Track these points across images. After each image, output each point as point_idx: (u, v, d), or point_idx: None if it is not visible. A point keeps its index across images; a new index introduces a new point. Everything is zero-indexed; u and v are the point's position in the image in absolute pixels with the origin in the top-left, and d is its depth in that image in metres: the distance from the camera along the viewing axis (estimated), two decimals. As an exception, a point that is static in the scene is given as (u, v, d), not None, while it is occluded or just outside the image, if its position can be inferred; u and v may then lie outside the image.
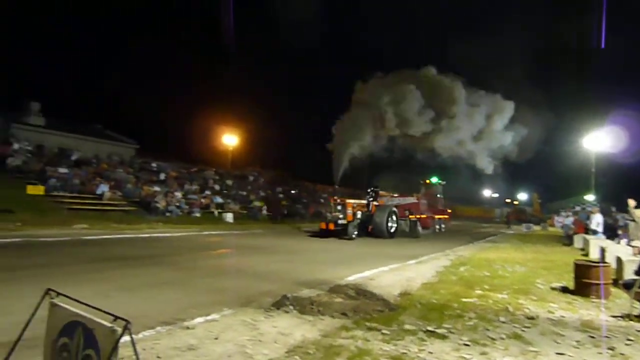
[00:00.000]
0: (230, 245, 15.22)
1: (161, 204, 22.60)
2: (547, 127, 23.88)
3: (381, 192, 23.80)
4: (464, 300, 6.52)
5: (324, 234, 19.06)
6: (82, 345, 2.42)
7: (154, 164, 29.72)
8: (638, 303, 6.00)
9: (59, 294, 2.71)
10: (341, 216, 19.53)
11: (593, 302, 6.72)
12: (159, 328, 4.65)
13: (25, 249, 11.25)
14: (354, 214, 20.04)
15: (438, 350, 4.25)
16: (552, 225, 39.43)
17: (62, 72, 48.88)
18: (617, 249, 10.81)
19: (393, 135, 23.91)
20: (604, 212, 19.33)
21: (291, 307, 5.64)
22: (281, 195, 33.76)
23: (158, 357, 3.82)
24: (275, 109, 52.61)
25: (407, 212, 23.40)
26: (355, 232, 19.25)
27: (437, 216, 28.11)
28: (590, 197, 36.32)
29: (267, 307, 5.73)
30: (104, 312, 2.40)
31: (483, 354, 4.22)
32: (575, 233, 19.59)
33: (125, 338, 2.29)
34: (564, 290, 7.62)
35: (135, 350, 2.41)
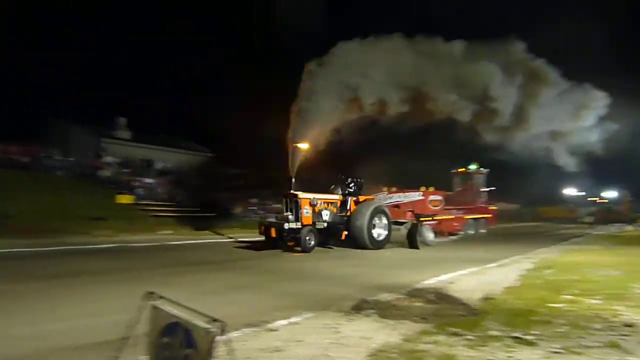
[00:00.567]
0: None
1: (238, 209, 23.50)
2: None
3: (384, 189, 19.20)
4: (551, 305, 6.17)
5: (265, 244, 13.87)
6: (182, 345, 2.60)
7: (230, 171, 30.71)
8: None
9: (160, 296, 2.93)
10: (291, 217, 13.67)
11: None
12: (244, 330, 4.85)
13: (118, 254, 12.22)
14: (317, 214, 14.35)
15: (527, 357, 4.06)
16: (646, 225, 36.12)
17: (143, 88, 52.20)
18: None
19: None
20: None
21: (371, 311, 5.65)
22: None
23: (247, 357, 3.99)
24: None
25: (410, 213, 17.81)
26: (312, 242, 13.43)
27: (472, 216, 21.75)
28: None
29: (347, 310, 5.78)
30: (201, 314, 2.56)
31: (578, 363, 3.97)
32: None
33: (219, 338, 2.43)
34: (666, 296, 6.97)
35: (230, 350, 2.54)
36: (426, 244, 15.92)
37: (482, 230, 22.22)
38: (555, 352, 4.19)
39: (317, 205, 14.37)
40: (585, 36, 23.43)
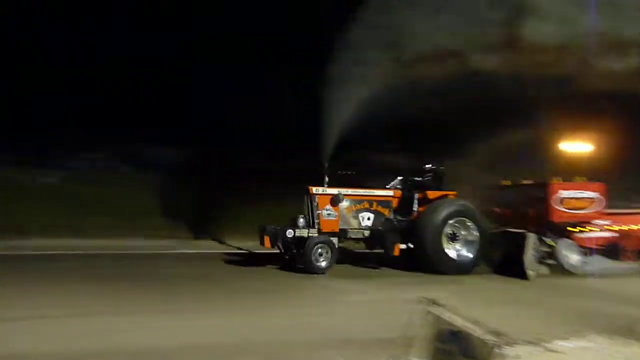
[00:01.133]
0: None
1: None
2: None
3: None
4: None
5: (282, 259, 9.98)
6: (460, 352, 2.59)
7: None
8: None
9: (433, 302, 3.00)
10: (302, 221, 9.57)
11: None
12: (522, 346, 4.50)
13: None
14: (349, 218, 10.04)
15: None
16: None
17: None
18: None
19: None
20: None
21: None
22: None
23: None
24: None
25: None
26: (323, 260, 9.26)
27: None
28: None
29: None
30: (481, 324, 2.50)
31: None
32: None
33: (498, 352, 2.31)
34: None
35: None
36: (571, 269, 9.81)
37: None
38: None
39: (349, 205, 10.07)
40: None
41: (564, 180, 10.59)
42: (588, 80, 12.80)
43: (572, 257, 10.00)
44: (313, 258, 9.12)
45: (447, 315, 2.86)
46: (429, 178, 10.80)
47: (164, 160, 17.01)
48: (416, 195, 10.35)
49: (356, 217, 10.07)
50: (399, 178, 10.87)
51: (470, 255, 9.87)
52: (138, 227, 13.95)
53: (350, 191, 10.05)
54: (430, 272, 9.55)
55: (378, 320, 5.45)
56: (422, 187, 10.50)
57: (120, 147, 17.12)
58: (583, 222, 10.49)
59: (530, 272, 9.25)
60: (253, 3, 15.23)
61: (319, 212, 9.69)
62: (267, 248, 9.51)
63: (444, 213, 9.73)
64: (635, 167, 14.26)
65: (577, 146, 14.80)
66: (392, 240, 9.64)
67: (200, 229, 14.66)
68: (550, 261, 9.80)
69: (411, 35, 11.77)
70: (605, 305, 6.92)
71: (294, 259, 9.64)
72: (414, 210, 10.26)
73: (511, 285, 9.05)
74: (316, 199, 9.75)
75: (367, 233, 10.04)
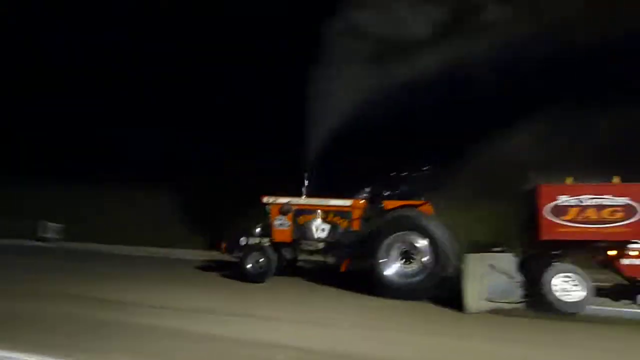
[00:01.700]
0: None
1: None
2: None
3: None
4: None
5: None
6: None
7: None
8: None
9: None
10: (258, 230, 9.47)
11: None
12: None
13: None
14: (302, 228, 9.14)
15: None
16: None
17: None
18: None
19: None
20: None
21: None
22: None
23: None
24: None
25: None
26: (258, 267, 8.80)
27: None
28: None
29: None
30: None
31: None
32: None
33: None
34: None
35: None
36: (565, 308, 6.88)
37: None
38: None
39: (299, 215, 9.38)
40: None
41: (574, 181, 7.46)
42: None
43: (571, 291, 7.02)
44: (245, 264, 9.11)
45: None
46: (401, 185, 9.32)
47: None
48: (380, 206, 9.02)
49: (309, 228, 9.41)
50: (367, 187, 9.55)
51: (415, 278, 8.01)
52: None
53: (302, 201, 9.65)
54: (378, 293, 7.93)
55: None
56: (387, 197, 9.13)
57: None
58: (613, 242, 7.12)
59: (469, 304, 6.99)
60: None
61: (273, 221, 9.57)
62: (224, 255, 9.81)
63: (383, 227, 8.35)
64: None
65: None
66: (341, 254, 8.82)
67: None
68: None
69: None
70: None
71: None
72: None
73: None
74: (269, 209, 9.67)
75: (320, 245, 9.41)
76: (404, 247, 8.20)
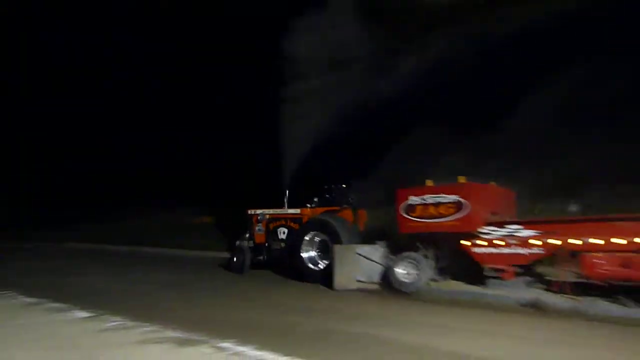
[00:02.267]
0: None
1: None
2: None
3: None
4: None
5: None
6: None
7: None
8: None
9: None
10: (247, 235, 12.45)
11: None
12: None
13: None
14: (271, 233, 12.01)
15: None
16: None
17: None
18: None
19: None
20: None
21: None
22: None
23: None
24: None
25: None
26: (238, 262, 11.86)
27: None
28: None
29: None
30: None
31: None
32: None
33: None
34: None
35: None
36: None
37: None
38: None
39: (270, 223, 12.25)
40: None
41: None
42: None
43: (407, 273, 8.68)
44: (231, 259, 12.26)
45: None
46: (329, 196, 11.65)
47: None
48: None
49: (275, 232, 12.11)
50: (315, 197, 11.87)
51: (323, 265, 10.38)
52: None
53: (271, 211, 12.45)
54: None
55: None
56: (318, 204, 11.59)
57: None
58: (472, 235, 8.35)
59: (337, 283, 9.02)
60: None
61: (254, 227, 12.54)
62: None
63: (302, 228, 11.00)
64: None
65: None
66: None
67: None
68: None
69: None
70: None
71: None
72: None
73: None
74: (252, 218, 12.67)
75: (282, 244, 11.92)
76: (319, 241, 10.52)
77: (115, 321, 6.12)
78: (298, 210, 11.83)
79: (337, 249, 9.25)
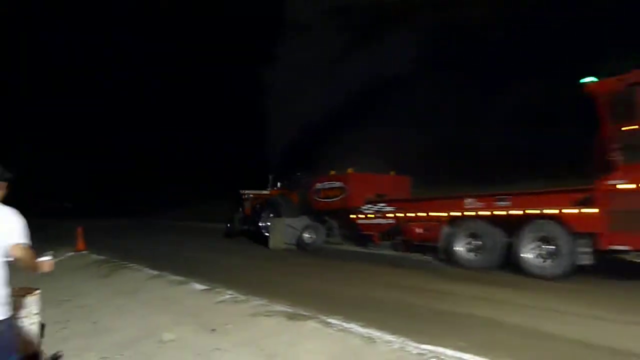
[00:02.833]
0: None
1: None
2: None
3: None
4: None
5: None
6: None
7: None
8: None
9: None
10: (240, 211, 16.62)
11: None
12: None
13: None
14: (253, 209, 15.91)
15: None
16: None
17: None
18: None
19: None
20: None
21: None
22: None
23: None
24: None
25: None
26: (231, 228, 16.61)
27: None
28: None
29: None
30: None
31: None
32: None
33: None
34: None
35: None
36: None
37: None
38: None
39: (254, 201, 16.09)
40: None
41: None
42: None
43: (310, 237, 12.64)
44: (227, 227, 16.80)
45: None
46: (291, 181, 15.57)
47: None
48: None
49: (256, 208, 15.89)
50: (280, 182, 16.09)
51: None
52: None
53: (254, 192, 16.69)
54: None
55: None
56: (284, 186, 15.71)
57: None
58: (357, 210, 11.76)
59: (272, 244, 12.98)
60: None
61: (244, 204, 16.60)
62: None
63: (261, 205, 15.10)
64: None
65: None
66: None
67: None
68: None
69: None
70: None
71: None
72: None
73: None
74: (242, 197, 16.89)
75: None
76: (270, 215, 14.38)
77: (228, 294, 6.52)
78: (268, 192, 15.76)
79: (272, 220, 13.15)
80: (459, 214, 9.41)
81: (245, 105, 25.03)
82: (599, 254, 7.64)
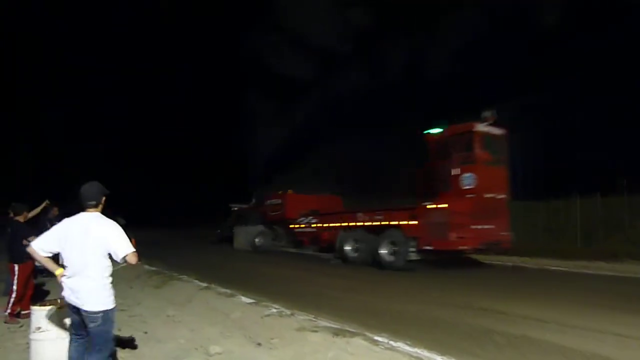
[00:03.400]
0: None
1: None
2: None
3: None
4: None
5: None
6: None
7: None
8: None
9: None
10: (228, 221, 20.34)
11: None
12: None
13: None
14: (240, 220, 19.13)
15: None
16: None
17: None
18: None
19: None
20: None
21: None
22: None
23: None
24: None
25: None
26: (220, 235, 20.80)
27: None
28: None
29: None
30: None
31: None
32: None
33: None
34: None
35: None
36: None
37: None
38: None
39: (239, 212, 19.97)
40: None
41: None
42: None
43: (259, 241, 16.48)
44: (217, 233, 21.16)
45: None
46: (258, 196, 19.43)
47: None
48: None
49: (239, 219, 19.76)
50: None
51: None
52: None
53: (237, 206, 20.94)
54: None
55: None
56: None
57: None
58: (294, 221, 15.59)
59: (236, 246, 17.01)
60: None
61: (233, 215, 20.86)
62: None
63: (235, 216, 19.26)
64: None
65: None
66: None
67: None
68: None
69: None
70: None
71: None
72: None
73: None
74: (231, 210, 21.24)
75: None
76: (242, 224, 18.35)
77: (274, 308, 6.64)
78: (245, 206, 19.84)
79: (236, 228, 17.36)
80: (349, 224, 12.96)
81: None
82: (423, 253, 10.97)
